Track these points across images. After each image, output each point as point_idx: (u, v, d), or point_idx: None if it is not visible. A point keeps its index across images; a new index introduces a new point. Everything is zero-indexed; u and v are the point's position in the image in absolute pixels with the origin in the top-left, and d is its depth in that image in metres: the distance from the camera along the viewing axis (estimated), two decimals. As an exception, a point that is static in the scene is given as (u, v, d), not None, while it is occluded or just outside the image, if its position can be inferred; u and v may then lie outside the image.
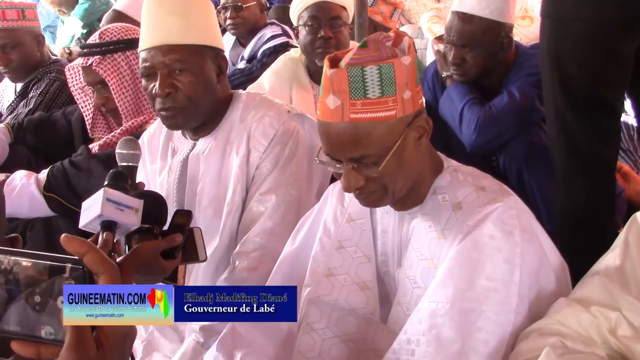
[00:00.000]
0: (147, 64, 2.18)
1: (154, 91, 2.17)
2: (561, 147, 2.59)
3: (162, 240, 1.85)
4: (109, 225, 1.62)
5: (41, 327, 0.96)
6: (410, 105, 1.66)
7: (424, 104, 3.21)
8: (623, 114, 3.20)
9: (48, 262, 0.95)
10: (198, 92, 2.19)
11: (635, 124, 3.13)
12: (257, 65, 4.02)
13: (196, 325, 2.15)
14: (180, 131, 2.37)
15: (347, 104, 1.61)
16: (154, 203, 1.88)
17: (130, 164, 1.93)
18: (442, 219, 1.74)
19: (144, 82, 2.22)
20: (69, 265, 0.95)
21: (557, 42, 2.51)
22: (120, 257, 1.76)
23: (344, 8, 3.30)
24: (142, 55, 2.20)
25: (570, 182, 2.60)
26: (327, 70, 1.64)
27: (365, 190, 1.71)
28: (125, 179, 1.86)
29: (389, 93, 1.62)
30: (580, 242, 2.46)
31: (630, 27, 2.38)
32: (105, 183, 1.81)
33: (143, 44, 2.21)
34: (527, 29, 4.30)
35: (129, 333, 0.96)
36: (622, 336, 1.57)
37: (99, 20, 5.37)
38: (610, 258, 1.71)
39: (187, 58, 2.17)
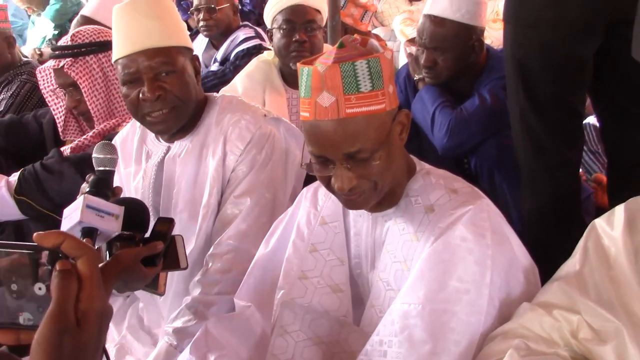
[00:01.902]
0: (131, 69, 2.16)
1: (141, 96, 2.16)
2: (526, 148, 2.63)
3: (143, 247, 1.85)
4: (89, 232, 1.63)
5: (19, 314, 0.98)
6: (394, 99, 1.69)
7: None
8: (592, 117, 3.25)
9: (25, 251, 0.97)
10: (185, 92, 2.21)
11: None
12: (230, 67, 4.01)
13: (169, 327, 2.15)
14: (154, 134, 2.36)
15: (342, 99, 1.62)
16: (136, 210, 1.88)
17: (107, 168, 1.92)
18: (415, 221, 1.76)
19: (125, 89, 2.20)
20: (46, 252, 0.97)
21: (518, 46, 2.55)
22: (101, 264, 1.77)
23: (319, 11, 3.30)
24: (123, 62, 2.18)
25: (535, 182, 2.64)
26: (318, 67, 1.64)
27: (358, 189, 1.71)
28: (107, 186, 1.86)
29: (378, 86, 1.64)
30: (547, 242, 2.50)
31: (589, 31, 2.43)
32: (87, 190, 1.81)
33: (123, 51, 2.18)
34: (498, 32, 4.32)
35: (105, 311, 0.98)
36: (583, 339, 1.60)
37: (70, 21, 5.34)
38: (570, 264, 1.74)
39: (171, 60, 2.18)
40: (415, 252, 1.73)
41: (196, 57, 2.32)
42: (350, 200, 1.75)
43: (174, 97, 2.18)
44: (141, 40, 2.16)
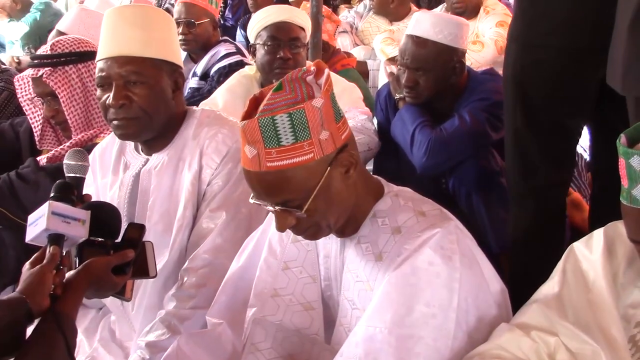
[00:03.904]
0: (103, 73, 2.16)
1: (107, 101, 2.15)
2: (516, 169, 2.61)
3: (114, 256, 1.84)
4: (56, 239, 1.62)
5: None
6: (330, 144, 1.65)
7: (376, 128, 3.27)
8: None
9: None
10: (152, 105, 2.17)
11: (579, 150, 3.18)
12: (215, 85, 3.99)
13: (142, 341, 2.13)
14: (133, 146, 2.35)
15: (263, 153, 1.61)
16: (106, 214, 1.87)
17: (77, 175, 1.91)
18: (380, 241, 1.75)
19: (98, 92, 2.20)
20: None
21: (523, 67, 2.50)
22: (71, 272, 1.76)
23: (303, 29, 3.31)
24: (99, 65, 2.18)
25: (522, 204, 2.63)
26: (239, 122, 1.64)
27: (298, 228, 1.72)
28: (71, 191, 1.84)
29: (303, 138, 1.60)
30: (531, 264, 2.49)
31: (597, 57, 2.38)
32: (51, 195, 1.79)
33: (101, 54, 2.19)
34: (478, 54, 4.38)
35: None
36: None
37: (49, 32, 5.33)
38: (549, 286, 1.75)
39: (143, 71, 2.15)
40: (379, 273, 1.72)
41: (180, 73, 2.29)
42: (298, 235, 1.77)
43: (138, 108, 2.16)
44: (117, 47, 2.15)
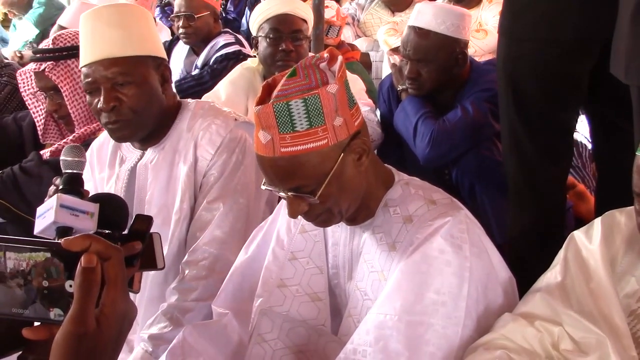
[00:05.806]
0: (90, 79, 2.14)
1: (99, 106, 2.14)
2: (513, 162, 2.62)
3: (121, 247, 1.83)
4: (64, 231, 1.62)
5: (50, 310, 1.00)
6: (344, 131, 1.65)
7: (379, 119, 3.27)
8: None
9: (53, 248, 0.99)
10: (143, 104, 2.17)
11: (583, 141, 3.17)
12: (208, 70, 4.01)
13: (145, 334, 2.13)
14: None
15: (277, 138, 1.61)
16: (113, 206, 1.87)
17: (74, 171, 1.91)
18: (393, 231, 1.76)
19: (88, 97, 2.19)
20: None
21: (512, 61, 2.52)
22: None
23: (305, 21, 3.31)
24: (84, 71, 2.16)
25: (520, 197, 2.63)
26: (254, 107, 1.64)
27: (310, 214, 1.72)
28: (80, 183, 1.84)
29: (318, 123, 1.61)
30: (529, 257, 2.49)
31: (584, 49, 2.40)
32: (60, 188, 1.79)
33: (84, 59, 2.17)
34: (481, 42, 4.37)
35: (127, 314, 0.98)
36: (564, 350, 1.61)
37: (53, 25, 5.33)
38: (551, 275, 1.75)
39: (129, 70, 2.14)
40: (393, 262, 1.73)
41: (165, 66, 2.28)
42: (310, 222, 1.77)
43: (128, 108, 2.15)
44: (100, 50, 2.14)
